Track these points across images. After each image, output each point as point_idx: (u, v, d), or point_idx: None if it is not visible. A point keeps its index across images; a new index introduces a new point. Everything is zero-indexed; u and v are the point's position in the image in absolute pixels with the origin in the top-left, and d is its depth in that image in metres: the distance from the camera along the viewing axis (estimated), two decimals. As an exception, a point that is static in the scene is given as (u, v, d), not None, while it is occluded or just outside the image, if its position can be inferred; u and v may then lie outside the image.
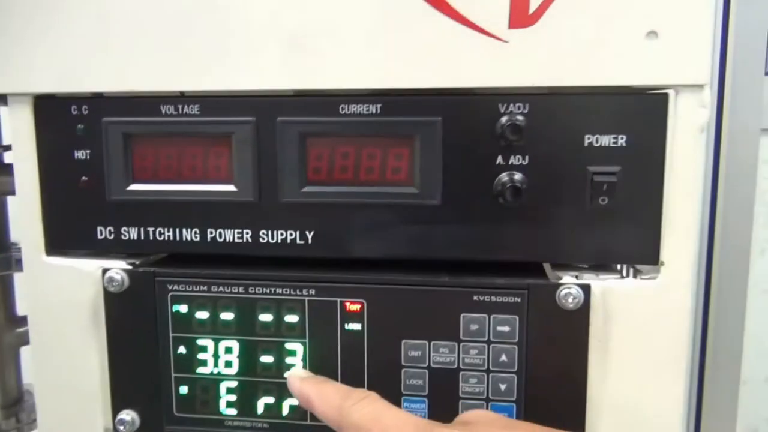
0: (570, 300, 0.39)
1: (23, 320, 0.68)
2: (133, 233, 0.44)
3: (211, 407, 0.44)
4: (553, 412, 0.41)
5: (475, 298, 0.41)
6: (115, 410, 0.45)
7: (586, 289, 0.39)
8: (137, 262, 0.45)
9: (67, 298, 0.44)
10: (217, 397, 0.44)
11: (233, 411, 0.44)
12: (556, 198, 0.40)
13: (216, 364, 0.44)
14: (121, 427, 0.44)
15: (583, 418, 0.41)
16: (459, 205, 0.41)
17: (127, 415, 0.44)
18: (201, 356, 0.44)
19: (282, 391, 0.43)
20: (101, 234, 0.44)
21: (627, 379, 0.40)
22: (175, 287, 0.43)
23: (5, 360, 0.66)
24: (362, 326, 0.42)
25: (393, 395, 0.42)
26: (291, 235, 0.42)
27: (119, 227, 0.44)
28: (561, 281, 0.40)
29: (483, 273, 0.42)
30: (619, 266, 0.43)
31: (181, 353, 0.44)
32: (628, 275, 0.42)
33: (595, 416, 0.41)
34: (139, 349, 0.44)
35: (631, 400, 0.40)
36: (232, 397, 0.44)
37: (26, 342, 0.69)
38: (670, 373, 0.40)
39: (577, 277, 0.41)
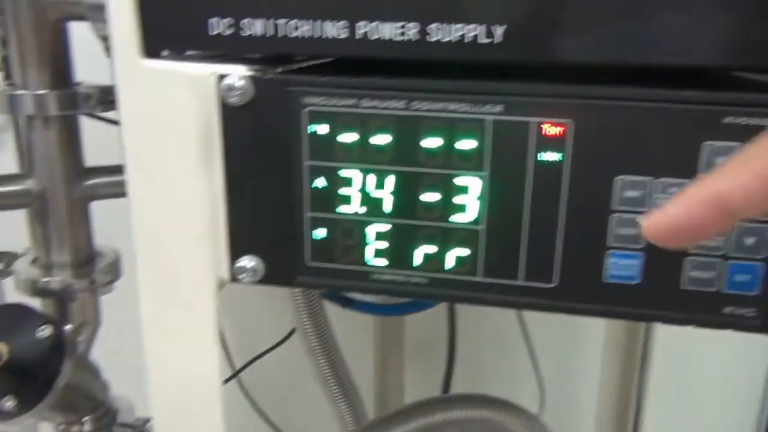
0: None
1: (93, 172, 0.59)
2: (258, 27, 0.33)
3: (354, 256, 0.35)
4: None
5: (725, 120, 0.30)
6: (234, 256, 0.36)
7: None
8: (262, 68, 0.34)
9: (172, 113, 0.35)
10: (363, 243, 0.35)
11: (383, 261, 0.35)
12: None
13: (364, 202, 0.34)
14: (242, 275, 0.36)
15: None
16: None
17: (250, 261, 0.36)
18: (344, 191, 0.34)
19: (448, 238, 0.34)
20: (215, 28, 0.34)
21: None
22: (313, 101, 0.33)
23: (74, 215, 0.58)
24: (563, 156, 0.32)
25: (595, 248, 0.32)
26: (472, 30, 0.31)
27: (239, 19, 0.33)
28: None
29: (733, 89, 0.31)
30: None
31: (318, 187, 0.34)
32: None
33: None
34: (265, 180, 0.35)
35: None
36: (382, 244, 0.35)
37: (96, 196, 0.61)
38: None
39: None
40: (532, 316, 0.99)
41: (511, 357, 1.08)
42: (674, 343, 0.93)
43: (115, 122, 0.79)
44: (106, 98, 0.56)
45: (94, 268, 0.59)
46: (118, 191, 0.60)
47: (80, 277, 0.58)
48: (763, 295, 0.31)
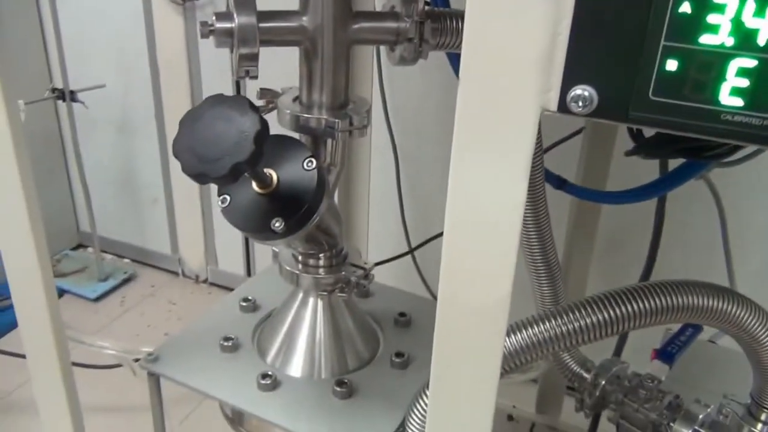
0: None
1: (361, 16, 0.60)
2: None
3: (705, 93, 0.33)
4: None
5: None
6: (568, 84, 0.35)
7: None
8: None
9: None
10: (720, 79, 0.32)
11: (738, 101, 0.32)
12: None
13: (733, 32, 0.31)
14: (576, 103, 0.35)
15: None
16: None
17: (584, 90, 0.35)
18: (713, 19, 0.32)
19: (828, 80, 0.31)
20: None
21: None
22: None
23: (339, 57, 0.60)
24: None
25: None
26: None
27: None
28: None
29: None
30: None
31: (683, 13, 0.32)
32: None
33: None
34: (621, 3, 0.33)
35: None
36: (743, 82, 0.32)
37: (361, 41, 0.62)
38: None
39: None
40: (736, 242, 0.92)
41: (707, 275, 1.02)
42: None
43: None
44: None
45: (350, 110, 0.62)
46: (382, 38, 0.61)
47: (340, 118, 0.60)
48: None
